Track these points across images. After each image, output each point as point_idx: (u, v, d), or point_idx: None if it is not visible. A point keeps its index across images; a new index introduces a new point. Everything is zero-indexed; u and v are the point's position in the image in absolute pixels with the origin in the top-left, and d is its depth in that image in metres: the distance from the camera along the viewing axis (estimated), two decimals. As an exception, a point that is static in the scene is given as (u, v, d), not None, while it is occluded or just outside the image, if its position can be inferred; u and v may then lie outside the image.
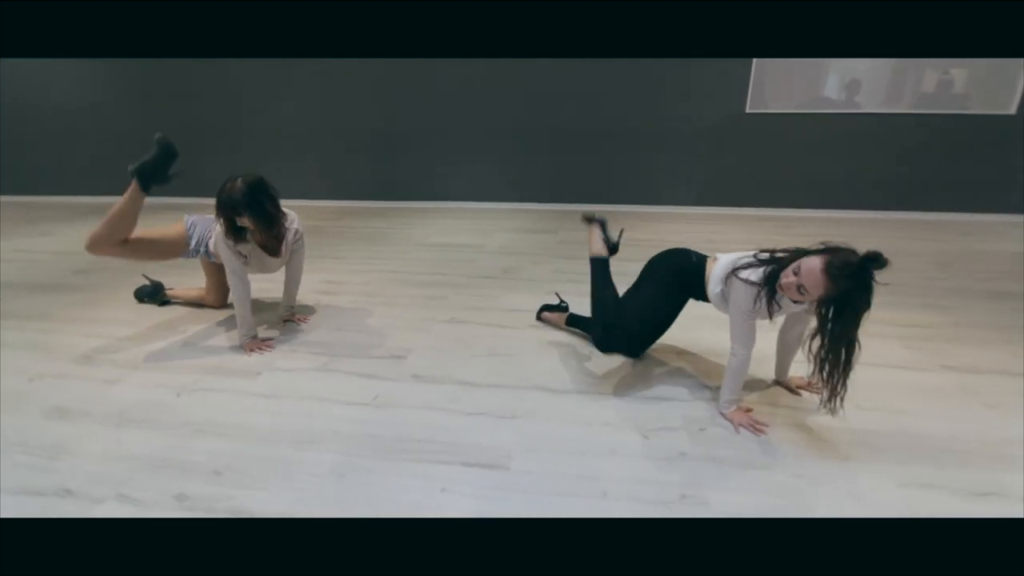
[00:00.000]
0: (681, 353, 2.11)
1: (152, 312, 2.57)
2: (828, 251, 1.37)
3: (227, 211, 1.98)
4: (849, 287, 1.30)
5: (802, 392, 1.80)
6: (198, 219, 2.31)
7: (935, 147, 4.41)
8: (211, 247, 2.23)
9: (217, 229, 2.08)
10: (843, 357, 1.40)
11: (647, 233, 4.00)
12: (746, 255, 1.63)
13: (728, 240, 3.84)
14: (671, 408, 1.73)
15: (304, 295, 2.77)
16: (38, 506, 1.32)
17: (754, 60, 4.42)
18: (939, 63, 4.26)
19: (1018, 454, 1.48)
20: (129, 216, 2.08)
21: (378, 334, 2.32)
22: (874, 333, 2.20)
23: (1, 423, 1.68)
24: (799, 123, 4.53)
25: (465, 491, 1.37)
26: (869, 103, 4.49)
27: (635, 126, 4.76)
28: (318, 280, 3.03)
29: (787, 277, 1.40)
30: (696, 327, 2.32)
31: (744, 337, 1.57)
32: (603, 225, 2.10)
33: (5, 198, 6.03)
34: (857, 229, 4.12)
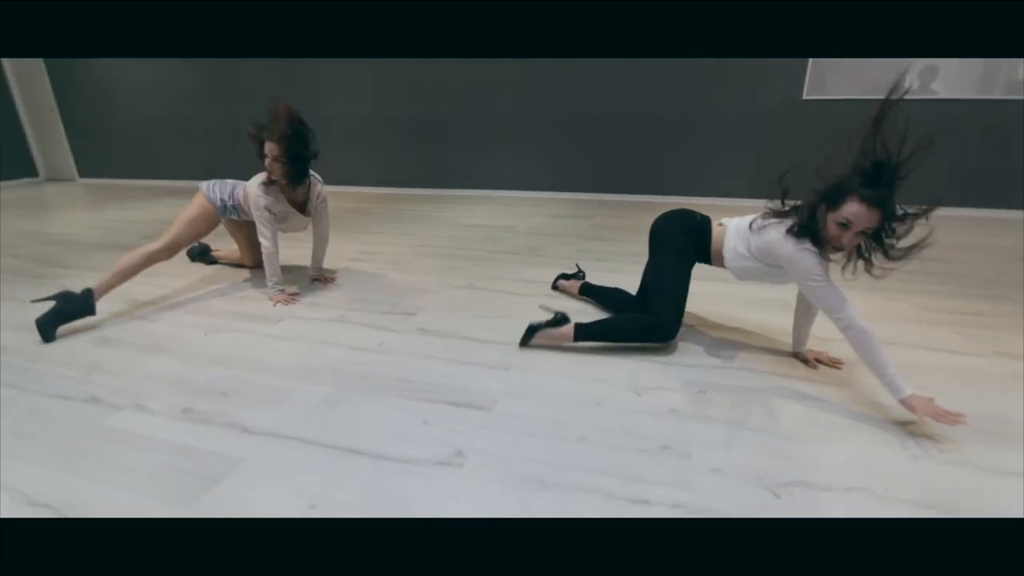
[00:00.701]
0: (695, 324, 2.02)
1: (197, 269, 2.79)
2: (845, 187, 1.32)
3: (266, 129, 2.05)
4: (887, 198, 1.29)
5: (819, 365, 1.68)
6: (212, 183, 2.39)
7: (1020, 138, 3.96)
8: (241, 202, 2.36)
9: (250, 186, 2.23)
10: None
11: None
12: (763, 220, 1.54)
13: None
14: (672, 371, 1.66)
15: (337, 261, 2.91)
16: (70, 413, 1.47)
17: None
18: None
19: (1068, 439, 1.30)
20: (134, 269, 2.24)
21: (395, 294, 2.39)
22: (926, 320, 2.03)
23: (55, 346, 1.89)
24: (863, 110, 4.20)
25: (445, 426, 1.38)
26: (950, 91, 4.10)
27: (682, 114, 4.62)
28: (352, 250, 3.17)
29: (836, 231, 1.36)
30: (712, 303, 2.23)
31: (840, 301, 1.39)
32: (540, 327, 1.82)
33: (99, 180, 6.76)
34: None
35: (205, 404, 1.50)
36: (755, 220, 1.58)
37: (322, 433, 1.36)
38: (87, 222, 4.21)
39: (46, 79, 6.38)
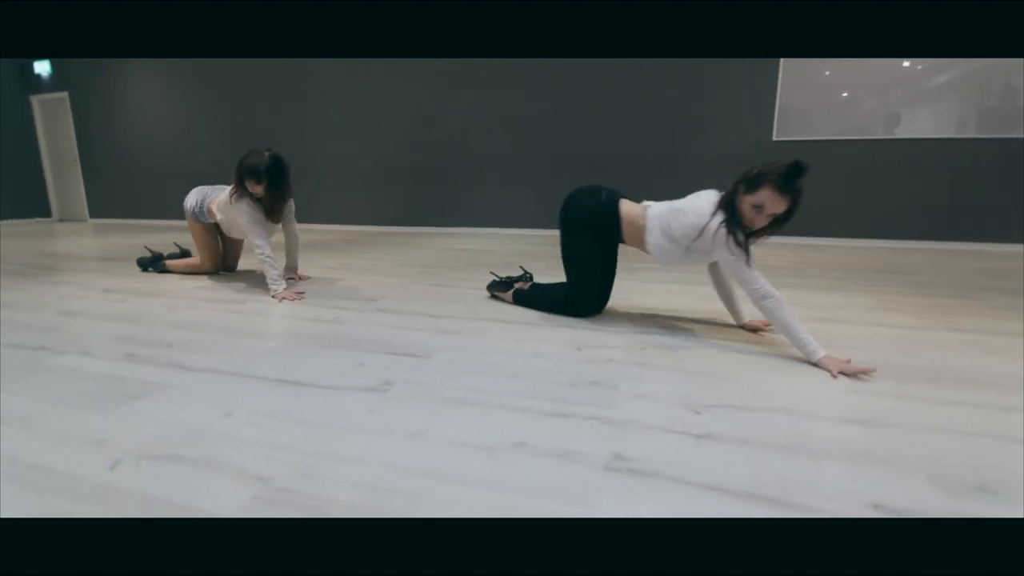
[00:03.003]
0: (649, 311, 2.04)
1: (176, 275, 2.88)
2: (764, 176, 1.43)
3: (248, 175, 2.19)
4: (799, 191, 1.41)
5: (762, 332, 1.69)
6: (190, 196, 2.61)
7: (985, 173, 4.12)
8: (208, 208, 2.54)
9: (226, 202, 2.35)
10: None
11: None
12: (682, 206, 1.62)
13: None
14: (619, 337, 1.66)
15: (315, 270, 2.99)
16: (17, 355, 1.49)
17: (779, 89, 4.48)
18: (985, 83, 4.08)
19: (1007, 383, 1.28)
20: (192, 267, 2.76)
21: (364, 287, 2.44)
22: (885, 308, 2.04)
23: (21, 316, 1.93)
24: (830, 150, 4.44)
25: (380, 366, 1.39)
26: (921, 132, 4.30)
27: (662, 154, 4.86)
28: (332, 262, 3.26)
29: (750, 213, 1.46)
30: (668, 297, 2.26)
31: (754, 273, 1.47)
32: (502, 285, 2.16)
33: (109, 220, 7.05)
34: (899, 259, 3.85)
35: (149, 351, 1.51)
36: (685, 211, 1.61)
37: (256, 370, 1.36)
38: (88, 244, 4.37)
39: (71, 126, 6.85)
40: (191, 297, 2.24)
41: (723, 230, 1.49)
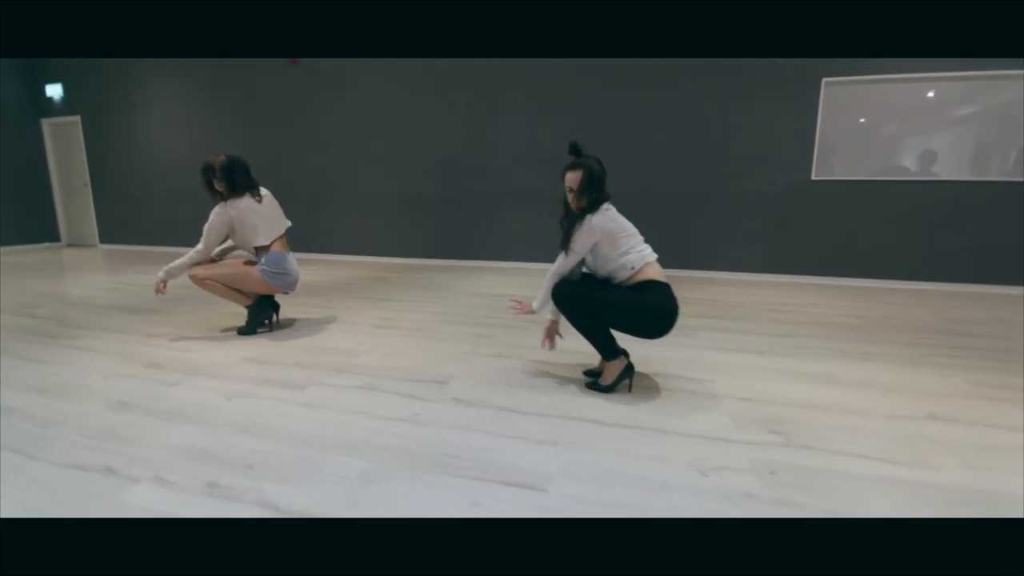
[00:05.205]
0: (747, 399, 1.91)
1: (217, 333, 2.73)
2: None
3: (206, 175, 2.71)
4: (587, 165, 1.97)
5: None
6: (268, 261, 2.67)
7: (1033, 217, 4.05)
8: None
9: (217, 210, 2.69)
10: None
11: (709, 294, 3.86)
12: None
13: (795, 304, 3.60)
14: (736, 449, 1.53)
15: (359, 328, 2.86)
16: (84, 482, 1.34)
17: (818, 130, 4.40)
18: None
19: None
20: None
21: (424, 362, 2.30)
22: (987, 396, 1.93)
23: (68, 410, 1.78)
24: (870, 190, 4.36)
25: (499, 508, 1.25)
26: (948, 174, 4.25)
27: (696, 192, 4.77)
28: (374, 317, 3.12)
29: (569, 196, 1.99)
30: (751, 375, 2.14)
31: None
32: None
33: (119, 247, 6.87)
34: (954, 310, 3.76)
35: (231, 478, 1.36)
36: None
37: (361, 512, 1.22)
38: (105, 283, 4.20)
39: (83, 149, 6.68)
40: (243, 377, 2.09)
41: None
